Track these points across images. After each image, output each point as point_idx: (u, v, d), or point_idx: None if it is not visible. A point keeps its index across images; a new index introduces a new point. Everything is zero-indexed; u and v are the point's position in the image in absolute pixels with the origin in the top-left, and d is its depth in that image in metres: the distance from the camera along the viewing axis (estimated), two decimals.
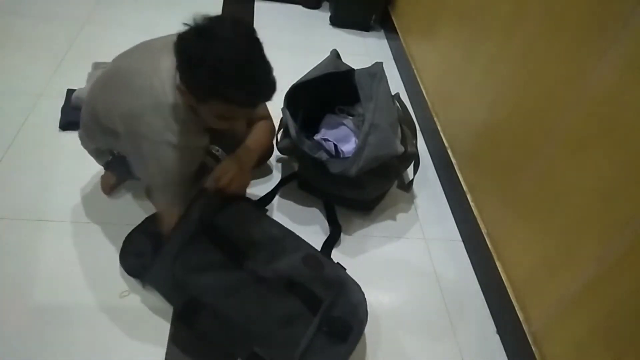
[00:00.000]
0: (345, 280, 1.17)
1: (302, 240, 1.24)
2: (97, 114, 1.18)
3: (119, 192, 1.46)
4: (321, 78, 1.49)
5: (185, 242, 1.11)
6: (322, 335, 1.05)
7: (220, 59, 0.93)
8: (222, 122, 1.07)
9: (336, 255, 1.41)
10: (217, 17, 0.98)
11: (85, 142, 1.34)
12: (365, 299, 1.17)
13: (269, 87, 1.00)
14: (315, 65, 1.56)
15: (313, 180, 1.49)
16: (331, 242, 1.42)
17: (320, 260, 1.18)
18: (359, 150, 1.33)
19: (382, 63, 1.57)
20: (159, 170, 1.10)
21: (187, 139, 1.08)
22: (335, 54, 1.63)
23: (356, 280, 1.28)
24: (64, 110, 1.70)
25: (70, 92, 1.75)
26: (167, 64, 1.05)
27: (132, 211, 1.39)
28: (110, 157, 1.31)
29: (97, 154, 1.33)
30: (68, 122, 1.64)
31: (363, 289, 1.35)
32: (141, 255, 1.22)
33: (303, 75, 1.52)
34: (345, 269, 1.25)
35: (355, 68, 1.55)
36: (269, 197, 1.52)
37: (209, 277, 1.09)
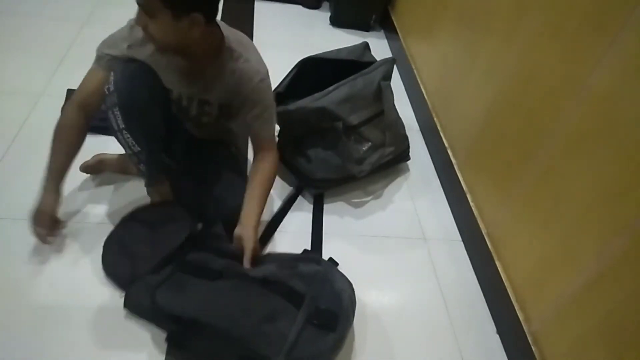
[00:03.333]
0: (326, 274, 1.16)
1: (278, 255, 1.28)
2: None
3: (119, 193, 1.46)
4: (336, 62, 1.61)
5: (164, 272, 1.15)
6: (311, 328, 1.06)
7: None
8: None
9: (336, 255, 1.40)
10: None
11: None
12: (349, 286, 1.17)
13: None
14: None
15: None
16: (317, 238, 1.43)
17: (293, 262, 1.18)
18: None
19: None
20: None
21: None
22: (365, 45, 1.71)
23: (354, 278, 1.28)
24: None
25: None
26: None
27: None
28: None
29: None
30: None
31: (363, 289, 1.35)
32: (125, 265, 1.22)
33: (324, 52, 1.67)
34: (337, 264, 1.25)
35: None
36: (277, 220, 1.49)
37: (188, 293, 1.11)
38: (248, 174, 1.35)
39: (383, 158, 1.58)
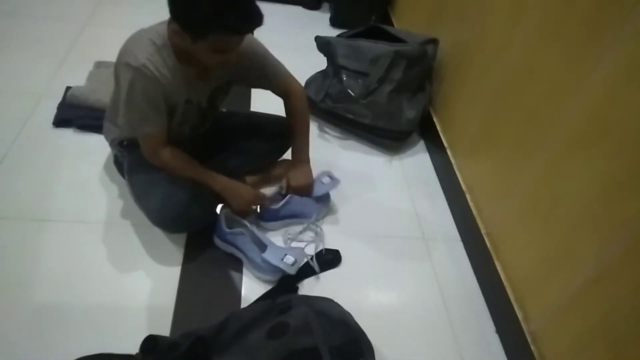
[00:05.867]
0: (314, 309, 1.07)
1: (264, 308, 1.12)
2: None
3: (120, 192, 1.46)
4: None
5: None
6: None
7: None
8: (217, 57, 1.14)
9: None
10: None
11: (108, 130, 1.40)
12: (336, 304, 1.12)
13: (259, 12, 1.09)
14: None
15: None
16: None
17: (285, 324, 1.02)
18: None
19: None
20: (125, 90, 1.14)
21: (156, 62, 1.14)
22: (431, 40, 1.85)
23: (354, 278, 1.27)
24: (60, 107, 1.70)
25: (68, 89, 1.75)
26: (157, 27, 1.18)
27: (133, 211, 1.40)
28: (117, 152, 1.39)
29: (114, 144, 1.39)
30: (61, 119, 1.65)
31: (363, 288, 1.36)
32: None
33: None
34: (331, 300, 1.15)
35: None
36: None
37: None
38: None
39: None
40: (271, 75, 1.39)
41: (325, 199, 1.51)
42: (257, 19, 1.08)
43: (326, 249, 1.41)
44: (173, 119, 1.26)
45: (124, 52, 1.16)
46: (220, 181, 1.33)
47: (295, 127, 1.46)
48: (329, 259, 1.38)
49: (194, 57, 1.16)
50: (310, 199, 1.46)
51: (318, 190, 1.46)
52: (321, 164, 1.55)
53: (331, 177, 1.50)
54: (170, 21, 1.12)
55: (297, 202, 1.45)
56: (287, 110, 1.46)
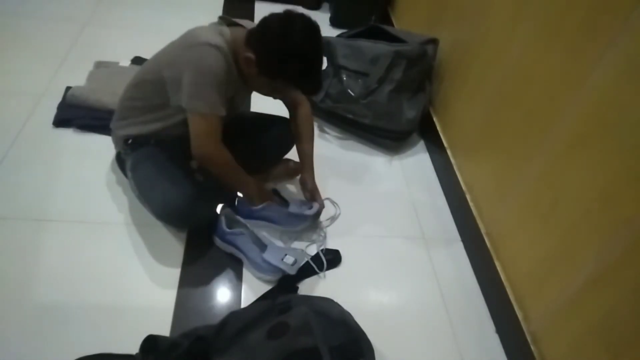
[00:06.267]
0: (314, 308, 1.07)
1: (263, 308, 1.12)
2: (149, 71, 1.28)
3: (120, 192, 1.46)
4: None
5: None
6: None
7: (311, 55, 1.16)
8: (267, 92, 1.30)
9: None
10: (295, 15, 1.15)
11: (120, 127, 1.38)
12: (336, 304, 1.13)
13: (322, 84, 1.27)
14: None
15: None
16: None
17: (285, 324, 1.01)
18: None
19: None
20: (193, 68, 1.15)
21: (227, 50, 1.18)
22: (431, 40, 1.85)
23: (354, 278, 1.27)
24: (60, 107, 1.70)
25: (68, 89, 1.75)
26: (215, 27, 1.23)
27: (133, 211, 1.40)
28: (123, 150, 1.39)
29: (122, 141, 1.38)
30: (61, 119, 1.65)
31: (363, 288, 1.36)
32: None
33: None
34: (331, 300, 1.15)
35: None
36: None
37: None
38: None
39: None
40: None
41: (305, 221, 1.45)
42: (320, 90, 1.30)
43: (326, 249, 1.41)
44: None
45: (194, 36, 1.18)
46: (253, 186, 1.39)
47: (309, 133, 1.51)
48: (329, 259, 1.38)
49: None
50: (287, 211, 1.44)
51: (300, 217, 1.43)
52: (321, 163, 1.55)
53: (312, 207, 1.43)
54: (246, 48, 1.18)
55: (274, 209, 1.43)
56: (296, 117, 1.50)
